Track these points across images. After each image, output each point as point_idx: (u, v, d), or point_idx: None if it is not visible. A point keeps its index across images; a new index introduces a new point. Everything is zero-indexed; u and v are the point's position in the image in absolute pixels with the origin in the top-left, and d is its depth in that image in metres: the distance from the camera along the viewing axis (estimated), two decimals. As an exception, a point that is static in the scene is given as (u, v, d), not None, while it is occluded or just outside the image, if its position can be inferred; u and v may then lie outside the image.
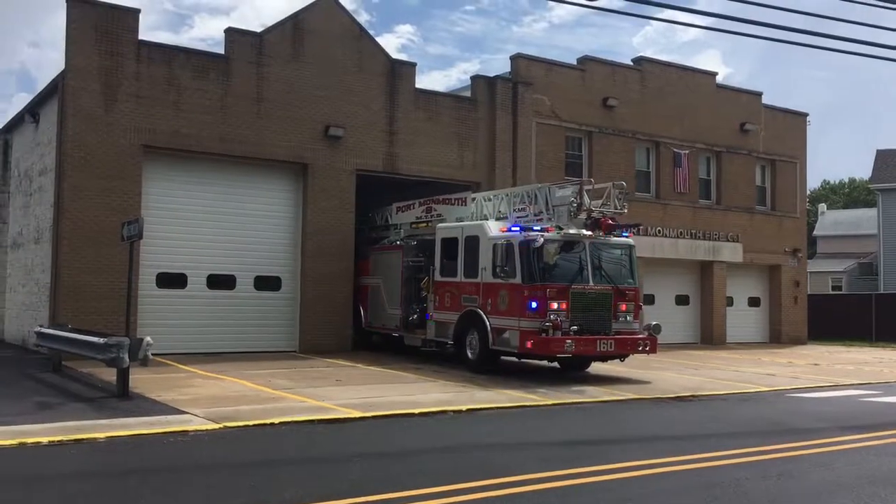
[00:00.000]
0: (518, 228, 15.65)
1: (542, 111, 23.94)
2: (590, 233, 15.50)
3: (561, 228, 15.51)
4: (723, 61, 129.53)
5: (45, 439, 8.77)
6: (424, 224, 19.47)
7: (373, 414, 10.93)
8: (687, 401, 13.58)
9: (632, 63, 26.76)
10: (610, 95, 25.30)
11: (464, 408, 11.71)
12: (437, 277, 17.61)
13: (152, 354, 12.21)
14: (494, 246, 15.79)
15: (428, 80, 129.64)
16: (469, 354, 16.38)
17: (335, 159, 20.38)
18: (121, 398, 11.67)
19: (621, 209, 16.05)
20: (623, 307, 15.67)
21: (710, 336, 27.41)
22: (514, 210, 17.00)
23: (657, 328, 16.27)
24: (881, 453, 9.19)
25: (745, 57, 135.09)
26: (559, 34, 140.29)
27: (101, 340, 11.97)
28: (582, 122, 24.86)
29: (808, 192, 47.32)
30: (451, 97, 23.33)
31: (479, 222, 17.08)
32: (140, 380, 12.78)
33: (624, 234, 16.12)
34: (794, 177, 30.31)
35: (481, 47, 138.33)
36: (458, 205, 18.69)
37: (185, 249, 18.76)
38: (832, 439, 9.89)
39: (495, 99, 22.97)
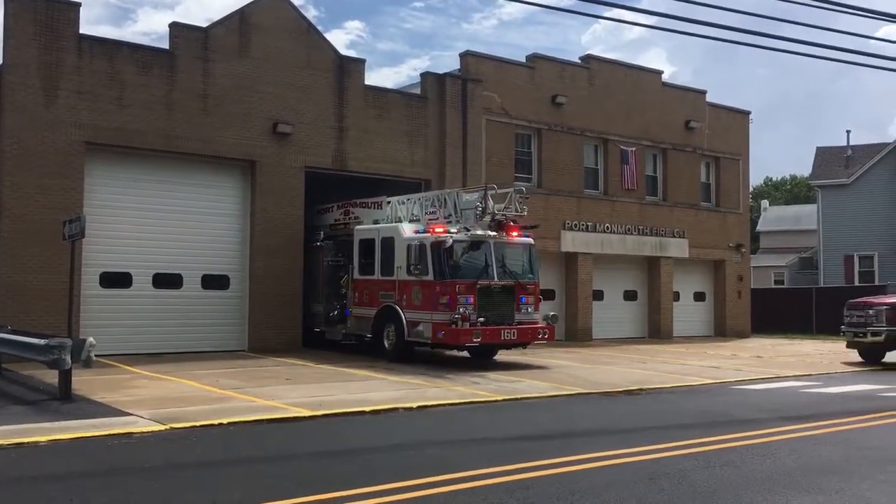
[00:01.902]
0: (425, 231, 17.06)
1: (491, 108, 24.06)
2: (494, 233, 16.99)
3: (468, 230, 16.97)
4: (668, 60, 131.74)
5: (-17, 444, 8.52)
6: (343, 226, 20.42)
7: (323, 412, 10.86)
8: (634, 394, 13.80)
9: (580, 61, 27.06)
10: (559, 93, 25.55)
11: (414, 405, 11.71)
12: (356, 276, 18.92)
13: (96, 355, 11.92)
14: (408, 246, 17.01)
15: (378, 77, 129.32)
16: (386, 345, 17.67)
17: (284, 156, 20.20)
18: (63, 400, 11.38)
19: (521, 212, 17.60)
20: (525, 300, 17.29)
21: (658, 330, 27.89)
22: (426, 213, 18.24)
23: (554, 318, 18.33)
24: (820, 442, 9.45)
25: (689, 55, 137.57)
26: (509, 32, 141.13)
27: (42, 342, 11.68)
28: (531, 119, 25.06)
29: (751, 189, 48.45)
30: (401, 94, 23.31)
31: (394, 224, 18.29)
32: (83, 381, 12.50)
33: (525, 234, 17.75)
34: (737, 173, 31.01)
35: (431, 44, 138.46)
36: (374, 208, 19.75)
37: (129, 248, 18.42)
38: (774, 429, 10.14)
39: (445, 96, 23.01)
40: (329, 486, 6.93)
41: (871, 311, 19.50)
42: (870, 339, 19.45)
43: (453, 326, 16.06)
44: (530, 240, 17.97)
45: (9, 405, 11.25)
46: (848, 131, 42.19)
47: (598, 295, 26.83)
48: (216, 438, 9.35)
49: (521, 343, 17.40)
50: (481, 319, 16.39)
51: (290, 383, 13.85)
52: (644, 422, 11.08)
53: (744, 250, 31.08)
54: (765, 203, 60.58)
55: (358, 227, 19.38)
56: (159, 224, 18.83)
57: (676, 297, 29.00)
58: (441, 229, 16.85)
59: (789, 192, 75.22)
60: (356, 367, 16.41)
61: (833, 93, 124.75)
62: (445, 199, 18.01)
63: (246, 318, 19.80)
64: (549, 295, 25.78)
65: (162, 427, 9.65)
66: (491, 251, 16.96)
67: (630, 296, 28.15)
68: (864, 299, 20.87)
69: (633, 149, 27.41)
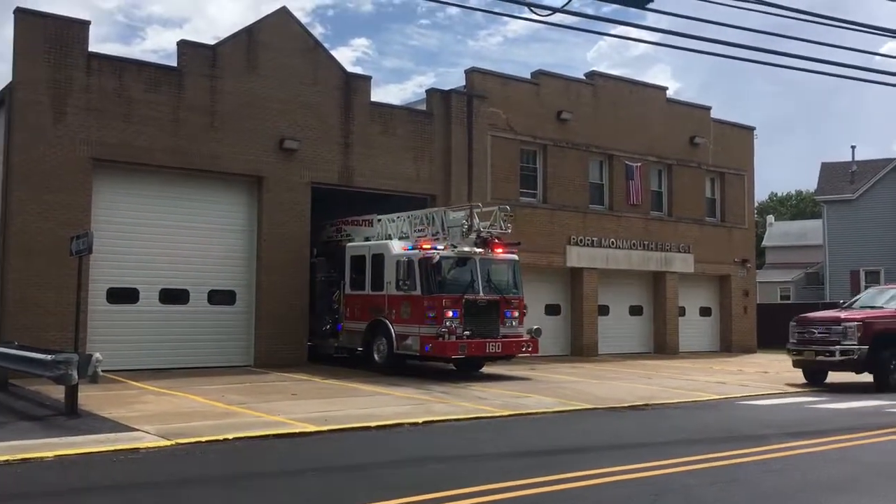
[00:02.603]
0: (413, 248, 17.67)
1: (497, 124, 24.15)
2: (480, 250, 17.65)
3: (455, 246, 17.60)
4: (672, 76, 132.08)
5: (-10, 459, 8.56)
6: (335, 243, 20.98)
7: (329, 428, 10.88)
8: (640, 410, 13.77)
9: (585, 77, 27.15)
10: (564, 109, 25.62)
11: (420, 420, 11.72)
12: (348, 291, 19.53)
13: (102, 371, 11.97)
14: (397, 263, 17.70)
15: (383, 94, 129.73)
16: (377, 358, 18.26)
17: (290, 172, 20.30)
18: (69, 416, 11.43)
19: (506, 229, 18.18)
20: (510, 314, 17.96)
21: (663, 345, 27.82)
22: (415, 231, 18.92)
23: (538, 331, 18.62)
24: (827, 458, 9.43)
25: (694, 71, 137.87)
26: (514, 49, 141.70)
27: (49, 357, 11.72)
28: (536, 135, 25.13)
29: (757, 204, 48.40)
30: (407, 110, 23.42)
31: (384, 241, 18.95)
32: (90, 397, 12.55)
33: (510, 250, 18.41)
34: (742, 189, 31.02)
35: (437, 61, 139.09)
36: (365, 226, 20.44)
37: (136, 264, 18.49)
38: (780, 445, 10.11)
39: (450, 112, 23.12)
40: (335, 501, 6.94)
41: (839, 328, 17.29)
42: (839, 357, 17.19)
43: (440, 339, 16.67)
44: (515, 256, 18.62)
45: (15, 420, 11.29)
46: (853, 147, 42.10)
47: (604, 310, 26.80)
48: (222, 454, 9.37)
49: (506, 356, 17.98)
50: (467, 333, 17.02)
51: (296, 398, 13.87)
52: (649, 437, 11.06)
53: (749, 265, 31.04)
54: (770, 218, 60.50)
55: (349, 244, 19.95)
56: (166, 240, 18.91)
57: (682, 312, 28.95)
58: (428, 245, 17.48)
59: (795, 207, 75.16)
60: (362, 382, 16.42)
61: (838, 108, 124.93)
62: (433, 217, 18.70)
63: (252, 333, 19.84)
64: (554, 310, 25.81)
65: (168, 442, 9.68)
66: (476, 267, 17.65)
67: (636, 311, 28.11)
68: (827, 314, 18.84)
69: (639, 164, 27.47)
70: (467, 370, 18.59)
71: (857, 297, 21.04)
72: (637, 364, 23.10)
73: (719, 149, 29.90)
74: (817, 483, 8.06)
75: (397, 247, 18.16)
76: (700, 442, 10.48)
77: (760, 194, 73.66)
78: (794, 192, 78.84)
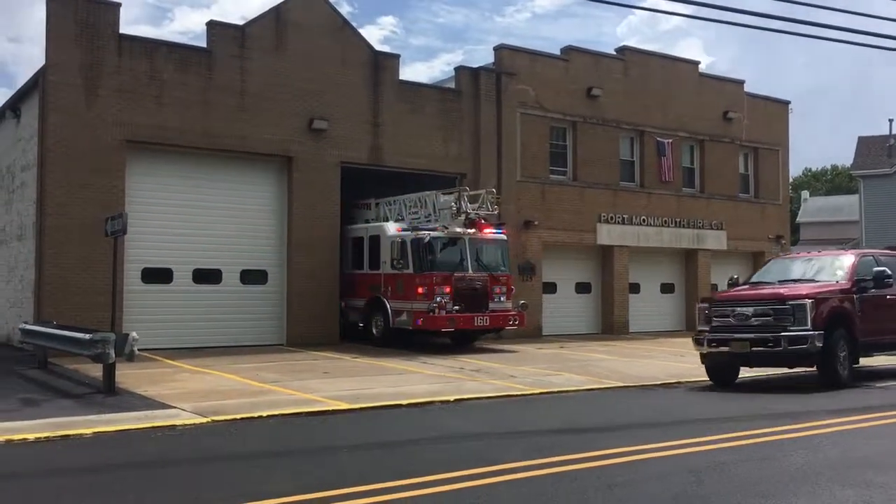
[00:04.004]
0: (408, 230, 18.85)
1: (526, 102, 23.96)
2: (470, 230, 18.68)
3: (446, 227, 18.60)
4: (704, 50, 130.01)
5: (31, 436, 8.74)
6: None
7: (361, 405, 10.95)
8: (672, 387, 13.68)
9: (615, 53, 26.81)
10: (594, 85, 25.34)
11: (451, 398, 11.76)
12: (349, 270, 20.72)
13: (138, 350, 12.17)
14: (392, 243, 18.92)
15: (411, 72, 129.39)
16: (375, 332, 19.50)
17: (319, 152, 20.34)
18: (107, 394, 11.63)
19: (493, 211, 19.31)
20: (498, 290, 19.09)
21: (696, 323, 27.50)
22: (409, 213, 20.07)
23: (524, 306, 19.97)
24: (865, 435, 9.28)
25: (727, 45, 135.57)
26: (542, 24, 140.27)
27: (87, 336, 11.93)
28: (566, 112, 24.89)
29: (791, 180, 47.66)
30: (435, 88, 23.32)
31: (380, 223, 20.30)
32: (126, 375, 12.75)
33: (498, 231, 19.58)
34: (776, 164, 30.52)
35: (464, 38, 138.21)
36: (364, 209, 21.83)
37: (170, 244, 18.70)
38: (818, 422, 9.97)
39: (479, 90, 22.97)
40: (369, 478, 6.98)
41: (785, 308, 12.82)
42: (787, 347, 12.62)
43: (431, 314, 17.84)
44: (503, 236, 19.76)
45: (55, 398, 11.51)
46: (890, 120, 41.18)
47: (635, 288, 26.61)
48: (257, 431, 9.49)
49: (495, 328, 19.39)
50: (456, 308, 18.15)
51: (328, 377, 13.98)
52: (682, 415, 10.98)
53: (784, 242, 30.60)
54: (805, 194, 59.62)
55: (350, 226, 21.03)
56: (199, 220, 19.09)
57: (715, 289, 28.62)
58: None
59: (830, 182, 73.93)
60: (392, 360, 16.51)
61: (875, 81, 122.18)
62: (425, 200, 19.73)
63: (284, 312, 20.01)
64: (585, 288, 25.71)
65: (204, 420, 9.81)
66: (466, 247, 18.77)
67: (667, 288, 27.87)
68: (761, 291, 13.82)
69: (670, 140, 27.11)
70: (462, 343, 19.83)
71: (762, 270, 16.31)
72: (669, 342, 22.93)
73: (753, 124, 29.40)
74: (855, 460, 7.94)
75: (392, 228, 19.36)
76: (734, 419, 10.37)
77: (795, 169, 72.63)
78: (829, 167, 77.53)
